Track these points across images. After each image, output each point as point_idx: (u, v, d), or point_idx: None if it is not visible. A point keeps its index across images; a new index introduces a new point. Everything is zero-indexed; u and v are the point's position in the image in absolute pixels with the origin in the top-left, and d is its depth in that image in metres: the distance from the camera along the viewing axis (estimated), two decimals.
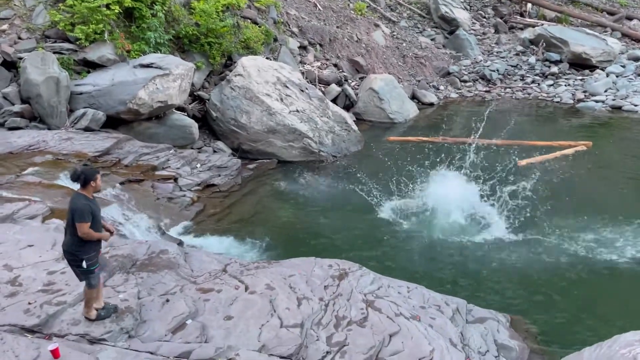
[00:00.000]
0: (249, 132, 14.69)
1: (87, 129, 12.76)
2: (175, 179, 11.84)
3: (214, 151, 14.47)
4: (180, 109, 14.73)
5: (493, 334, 6.73)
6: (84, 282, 5.31)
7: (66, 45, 14.18)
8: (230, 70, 16.27)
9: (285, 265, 7.45)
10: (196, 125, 14.44)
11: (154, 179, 11.51)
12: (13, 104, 12.83)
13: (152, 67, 13.68)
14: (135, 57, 14.50)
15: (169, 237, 9.57)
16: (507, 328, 7.00)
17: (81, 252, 5.14)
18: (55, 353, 4.67)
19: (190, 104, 15.47)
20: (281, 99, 15.26)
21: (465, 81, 24.71)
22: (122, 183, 10.72)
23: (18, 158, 10.76)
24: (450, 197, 11.81)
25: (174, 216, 10.61)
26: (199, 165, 12.81)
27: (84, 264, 5.15)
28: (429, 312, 6.78)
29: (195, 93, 15.80)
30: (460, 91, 23.98)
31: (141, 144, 12.68)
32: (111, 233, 5.45)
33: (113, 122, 13.35)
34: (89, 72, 14.08)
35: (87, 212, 5.00)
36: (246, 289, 6.61)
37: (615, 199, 12.22)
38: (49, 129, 12.61)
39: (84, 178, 5.13)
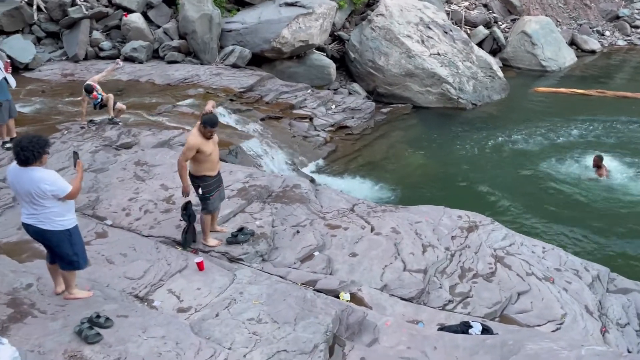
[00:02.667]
0: (386, 75, 14.49)
1: (234, 66, 13.55)
2: (311, 119, 12.20)
3: (349, 93, 14.57)
4: (320, 49, 14.93)
5: (637, 306, 6.16)
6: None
7: None
8: (373, 10, 15.97)
9: (413, 211, 7.42)
10: (334, 66, 14.58)
11: (292, 117, 11.98)
12: (172, 39, 14.01)
13: (296, 5, 13.94)
14: None
15: (302, 173, 10.01)
16: None
17: (198, 179, 5.56)
18: (200, 265, 5.25)
19: (330, 44, 15.60)
20: (422, 41, 14.73)
21: (637, 27, 21.62)
22: (262, 119, 11.33)
23: (175, 89, 11.85)
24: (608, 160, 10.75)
25: (308, 154, 11.02)
26: (334, 106, 13.02)
27: (200, 191, 5.59)
28: (565, 276, 6.36)
29: (335, 33, 15.85)
30: (629, 38, 21.11)
31: (281, 83, 13.18)
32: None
33: (257, 60, 14.00)
34: (238, 9, 14.77)
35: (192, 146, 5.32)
36: (372, 229, 6.73)
37: None
38: (201, 64, 13.61)
39: (202, 122, 5.39)
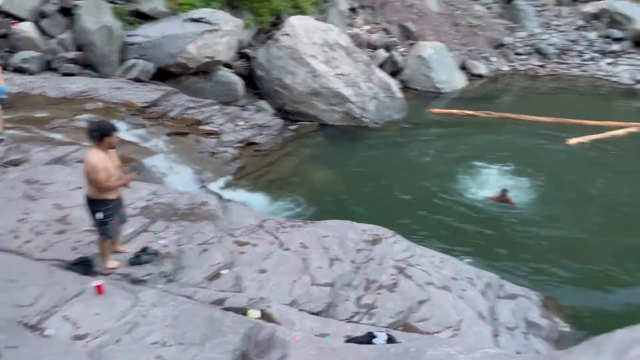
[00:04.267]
0: (293, 93, 14.69)
1: (136, 80, 13.05)
2: (219, 135, 12.04)
3: (257, 110, 14.57)
4: (227, 65, 14.83)
5: (524, 311, 6.70)
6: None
7: None
8: (279, 30, 16.18)
9: (320, 226, 7.55)
10: (242, 82, 14.54)
11: (198, 133, 11.74)
12: (68, 51, 13.21)
13: (202, 21, 13.76)
14: (186, 11, 14.60)
15: (210, 190, 9.82)
16: (539, 306, 6.95)
17: (98, 204, 5.15)
18: (99, 289, 4.94)
19: (237, 61, 15.55)
20: (327, 62, 15.13)
21: (519, 54, 23.79)
22: (168, 135, 10.99)
23: (71, 103, 11.15)
24: (489, 173, 11.69)
25: (216, 170, 10.85)
26: (241, 123, 12.96)
27: (100, 215, 5.18)
28: (460, 284, 6.78)
29: (242, 50, 15.83)
30: (512, 64, 23.15)
31: (187, 98, 12.91)
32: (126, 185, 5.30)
33: (162, 75, 13.60)
34: (140, 23, 14.29)
35: (101, 167, 4.93)
36: (281, 245, 6.76)
37: None
38: (100, 77, 12.95)
39: (99, 134, 4.98)
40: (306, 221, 7.96)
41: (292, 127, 14.17)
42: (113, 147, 5.14)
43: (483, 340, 5.66)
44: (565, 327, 6.72)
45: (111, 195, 5.23)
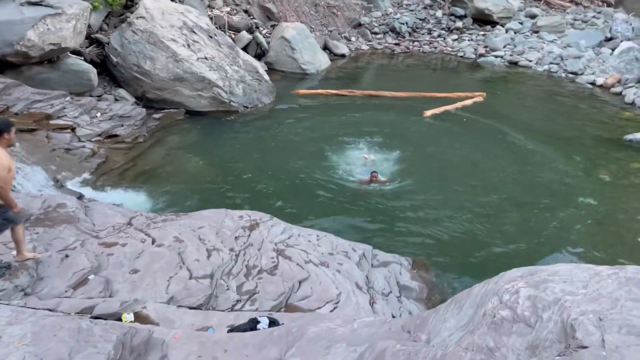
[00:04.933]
0: (154, 80, 13.94)
1: None
2: (73, 129, 11.06)
3: (116, 99, 13.64)
4: (76, 52, 13.60)
5: (396, 276, 7.14)
6: None
7: None
8: (132, 12, 15.18)
9: (195, 217, 7.33)
10: (94, 70, 13.44)
11: (49, 129, 10.67)
12: None
13: (41, 5, 12.38)
14: None
15: (68, 190, 9.00)
16: (409, 270, 7.44)
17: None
18: None
19: (87, 47, 14.32)
20: (188, 45, 14.56)
21: (375, 33, 24.97)
22: None
23: None
24: (355, 148, 12.21)
25: (73, 168, 9.98)
26: (99, 115, 12.01)
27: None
28: (337, 259, 7.02)
29: (92, 36, 14.62)
30: (371, 43, 24.24)
31: (33, 91, 11.62)
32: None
33: None
34: None
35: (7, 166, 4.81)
36: (153, 242, 6.44)
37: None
38: None
39: None
40: (179, 214, 7.66)
41: (157, 115, 13.45)
42: (12, 145, 4.87)
43: (361, 310, 5.93)
44: (432, 287, 7.29)
45: None
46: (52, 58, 12.72)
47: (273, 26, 21.15)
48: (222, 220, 7.29)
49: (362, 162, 11.37)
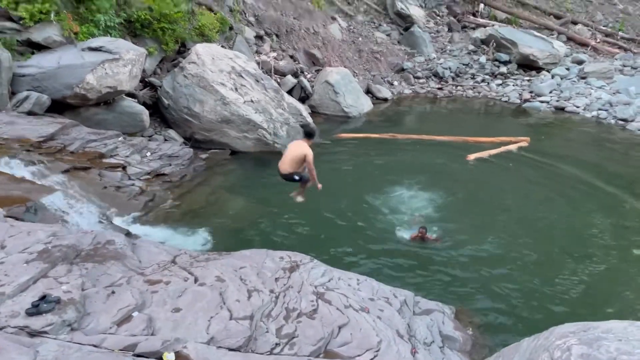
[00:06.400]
0: (202, 121, 14.43)
1: (30, 113, 12.14)
2: (124, 168, 11.49)
3: (165, 140, 14.14)
4: (131, 95, 14.29)
5: (438, 325, 6.93)
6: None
7: (9, 24, 13.39)
8: (184, 58, 15.90)
9: (236, 257, 7.38)
10: (147, 112, 14.05)
11: (102, 167, 11.12)
12: None
13: (101, 50, 13.16)
14: (83, 40, 13.90)
15: (116, 227, 9.29)
16: (452, 319, 7.22)
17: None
18: None
19: (141, 90, 15.04)
20: (236, 89, 15.06)
21: (418, 78, 25.19)
22: (66, 170, 10.29)
23: None
24: (399, 193, 12.12)
25: (122, 206, 10.30)
26: (149, 154, 12.47)
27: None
28: (378, 304, 6.89)
29: (146, 79, 15.36)
30: (413, 87, 24.43)
31: (88, 130, 12.22)
32: None
33: (59, 107, 12.78)
34: (32, 53, 13.40)
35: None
36: (195, 280, 6.50)
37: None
38: None
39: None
40: (221, 253, 7.74)
41: (203, 155, 13.87)
42: None
43: (402, 359, 5.76)
44: (477, 338, 7.03)
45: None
46: (108, 100, 13.39)
47: (317, 71, 21.67)
48: (262, 261, 7.31)
49: (413, 219, 11.02)
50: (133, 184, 11.08)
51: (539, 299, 8.30)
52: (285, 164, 9.20)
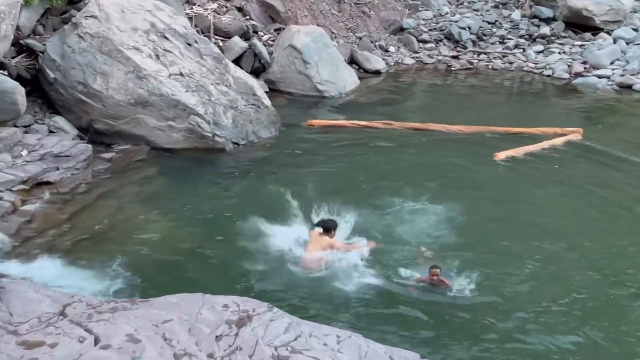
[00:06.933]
0: (107, 104, 14.28)
1: None
2: None
3: (50, 131, 13.95)
4: None
5: None
6: None
7: None
8: (79, 9, 15.72)
9: (158, 305, 7.30)
10: (22, 90, 13.79)
11: None
12: None
13: None
14: None
15: None
16: None
17: None
18: None
19: (13, 57, 14.79)
20: (157, 56, 14.96)
21: (424, 42, 25.54)
22: None
23: None
24: (397, 209, 12.13)
25: None
26: (25, 153, 12.31)
27: None
28: None
29: (22, 41, 15.11)
30: (417, 55, 24.76)
31: None
32: None
33: None
34: None
35: None
36: (96, 342, 6.40)
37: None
38: None
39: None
40: (135, 300, 7.64)
41: (108, 155, 13.75)
42: None
43: None
44: None
45: None
46: None
47: (278, 30, 21.72)
48: (197, 311, 7.25)
49: (417, 255, 11.00)
50: (1, 198, 10.89)
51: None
52: (313, 263, 10.24)
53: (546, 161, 15.22)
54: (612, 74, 22.97)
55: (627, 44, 25.04)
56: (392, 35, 25.46)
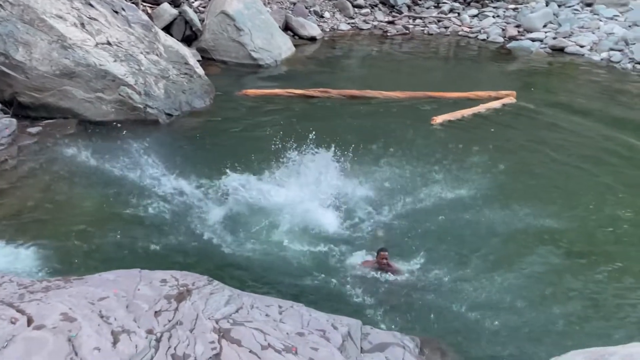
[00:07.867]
0: (30, 76, 13.92)
1: None
2: None
3: None
4: None
5: None
6: None
7: None
8: None
9: (93, 282, 7.23)
10: None
11: None
12: None
13: None
14: None
15: None
16: (416, 355, 7.44)
17: None
18: None
19: None
20: (82, 25, 14.61)
21: (360, 7, 25.58)
22: None
23: None
24: (334, 180, 12.20)
25: None
26: None
27: None
28: (310, 341, 6.97)
29: None
30: (353, 21, 24.78)
31: None
32: None
33: None
34: None
35: None
36: (29, 322, 6.31)
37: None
38: None
39: None
40: (69, 278, 7.54)
41: (34, 129, 13.45)
42: None
43: None
44: None
45: None
46: None
47: None
48: (135, 287, 7.21)
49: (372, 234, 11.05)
50: None
51: (533, 319, 8.73)
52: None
53: (482, 124, 15.57)
54: (545, 37, 23.52)
55: (559, 6, 25.69)
56: (327, 1, 25.40)
